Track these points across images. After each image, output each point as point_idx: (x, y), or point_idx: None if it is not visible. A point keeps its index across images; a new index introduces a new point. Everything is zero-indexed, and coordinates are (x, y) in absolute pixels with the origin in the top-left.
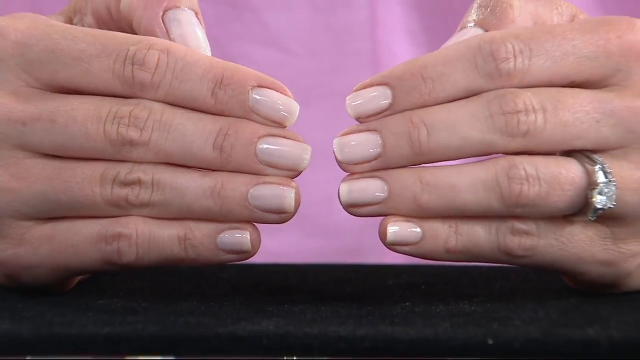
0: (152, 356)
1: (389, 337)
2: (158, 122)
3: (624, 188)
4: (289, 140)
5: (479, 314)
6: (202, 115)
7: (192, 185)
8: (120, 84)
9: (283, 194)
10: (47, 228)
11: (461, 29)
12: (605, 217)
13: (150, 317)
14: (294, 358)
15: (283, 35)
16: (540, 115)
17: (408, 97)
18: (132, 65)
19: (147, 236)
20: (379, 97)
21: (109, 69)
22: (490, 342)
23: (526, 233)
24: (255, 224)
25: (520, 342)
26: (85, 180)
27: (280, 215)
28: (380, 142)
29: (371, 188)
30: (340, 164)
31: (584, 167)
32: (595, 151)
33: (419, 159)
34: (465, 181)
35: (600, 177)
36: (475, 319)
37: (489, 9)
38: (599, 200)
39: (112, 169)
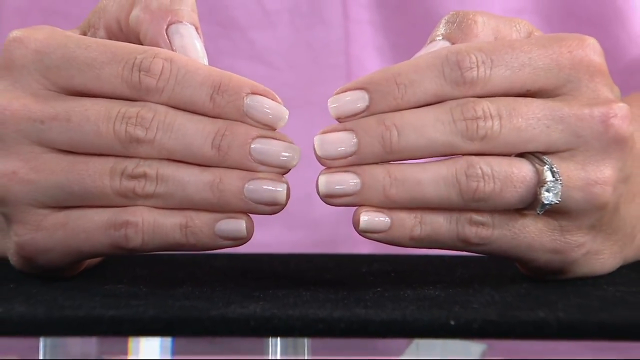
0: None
1: (362, 319)
2: (162, 123)
3: (570, 186)
4: (280, 141)
5: (442, 298)
6: (201, 118)
7: (192, 179)
8: (128, 88)
9: (276, 188)
10: (62, 216)
11: (430, 41)
12: (554, 212)
13: (151, 301)
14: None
15: (267, 51)
16: (496, 122)
17: (383, 101)
18: (139, 71)
19: (152, 224)
20: (358, 100)
21: (118, 74)
22: (452, 323)
23: (482, 224)
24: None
25: (479, 323)
26: (96, 173)
27: (272, 207)
28: (355, 140)
29: (346, 181)
30: (319, 159)
31: (534, 167)
32: (545, 153)
33: (390, 157)
34: (429, 177)
35: (548, 176)
36: (438, 302)
37: (455, 24)
38: (546, 197)
39: (121, 164)
